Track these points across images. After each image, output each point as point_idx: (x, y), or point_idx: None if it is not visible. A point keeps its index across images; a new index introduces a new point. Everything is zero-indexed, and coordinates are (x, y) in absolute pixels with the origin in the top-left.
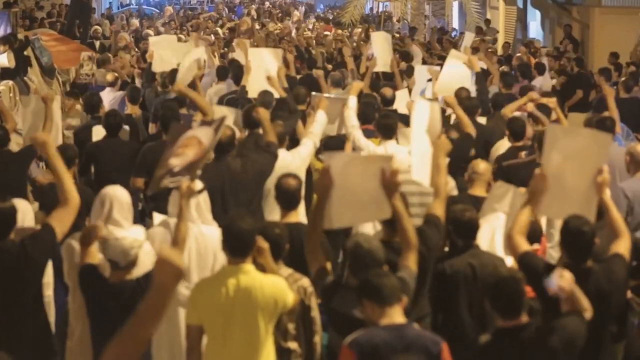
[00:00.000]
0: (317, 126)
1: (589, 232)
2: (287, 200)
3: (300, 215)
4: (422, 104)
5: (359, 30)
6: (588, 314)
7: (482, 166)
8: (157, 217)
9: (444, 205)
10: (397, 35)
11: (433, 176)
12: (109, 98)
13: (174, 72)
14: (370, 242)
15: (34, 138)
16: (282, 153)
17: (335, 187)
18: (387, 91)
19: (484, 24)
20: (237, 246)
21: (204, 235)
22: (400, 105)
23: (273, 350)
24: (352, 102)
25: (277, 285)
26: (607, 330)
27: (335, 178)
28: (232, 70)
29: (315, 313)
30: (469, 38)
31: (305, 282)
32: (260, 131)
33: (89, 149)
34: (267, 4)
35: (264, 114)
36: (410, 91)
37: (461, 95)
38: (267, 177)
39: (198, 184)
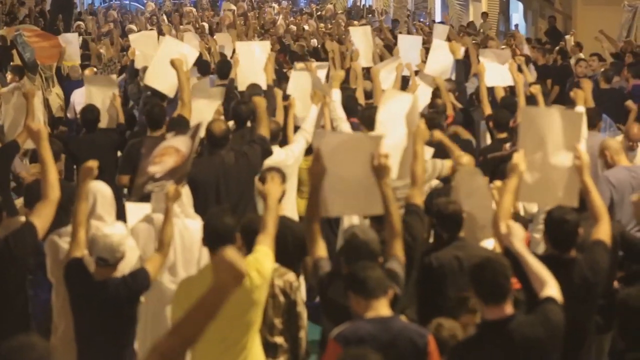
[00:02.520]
0: (310, 122)
1: (573, 221)
2: None
3: (284, 209)
4: (402, 96)
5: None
6: (554, 289)
7: (464, 159)
8: (131, 208)
9: (422, 194)
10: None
11: (411, 164)
12: None
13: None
14: (367, 233)
15: (29, 126)
16: (275, 150)
17: (327, 174)
18: (367, 85)
19: (482, 17)
20: (217, 242)
21: (189, 229)
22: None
23: (260, 345)
24: (336, 96)
25: (259, 269)
26: (592, 320)
27: (327, 163)
28: (218, 65)
29: (301, 308)
30: (441, 31)
31: (291, 276)
32: (248, 125)
33: (69, 145)
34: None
35: (260, 103)
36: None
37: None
38: (259, 170)
39: None
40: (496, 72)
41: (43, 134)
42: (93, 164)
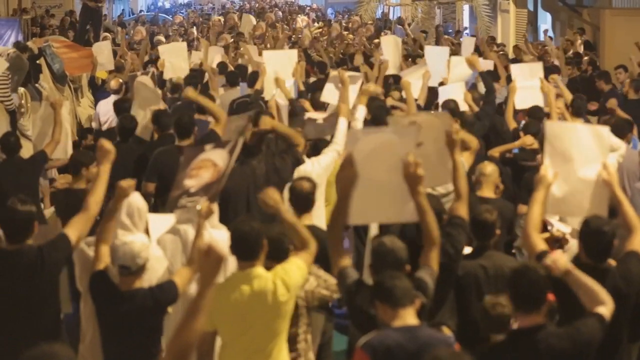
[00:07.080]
0: (340, 135)
1: (610, 232)
2: (301, 203)
3: (314, 218)
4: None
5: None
6: (606, 308)
7: (489, 168)
8: (153, 219)
9: (467, 206)
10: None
11: (453, 177)
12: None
13: (191, 78)
14: (394, 241)
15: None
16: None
17: (358, 179)
18: (394, 94)
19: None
20: (244, 250)
21: (214, 239)
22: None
23: (287, 353)
24: (360, 114)
25: (287, 277)
26: (625, 331)
27: (358, 168)
28: (249, 74)
29: None
30: (469, 44)
31: None
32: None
33: None
34: (278, 12)
35: (270, 122)
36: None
37: (473, 96)
38: (289, 181)
39: None
40: (527, 94)
41: (111, 156)
42: (129, 183)
